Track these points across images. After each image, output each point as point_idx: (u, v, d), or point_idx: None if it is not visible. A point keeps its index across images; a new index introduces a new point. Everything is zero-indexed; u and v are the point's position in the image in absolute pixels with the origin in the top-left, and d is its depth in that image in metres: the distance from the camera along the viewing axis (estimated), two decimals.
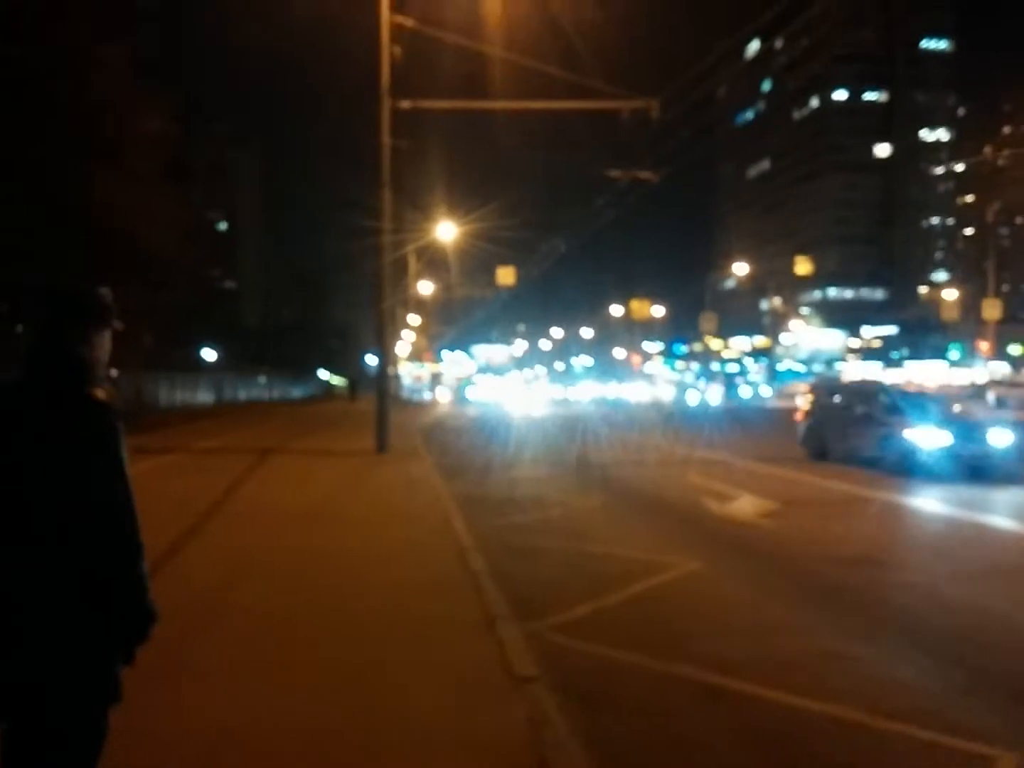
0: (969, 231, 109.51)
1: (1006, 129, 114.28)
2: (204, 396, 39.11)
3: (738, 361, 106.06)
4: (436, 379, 60.44)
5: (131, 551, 2.06)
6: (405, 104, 15.50)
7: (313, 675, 4.23)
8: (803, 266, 60.91)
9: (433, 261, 40.52)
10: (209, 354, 54.41)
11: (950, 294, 54.90)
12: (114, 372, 26.42)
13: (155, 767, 3.27)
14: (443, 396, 55.18)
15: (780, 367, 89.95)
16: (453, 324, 62.74)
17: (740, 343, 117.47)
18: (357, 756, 3.38)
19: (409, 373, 53.05)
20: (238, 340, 78.79)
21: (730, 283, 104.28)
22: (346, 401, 44.86)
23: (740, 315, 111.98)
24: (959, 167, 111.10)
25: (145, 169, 27.34)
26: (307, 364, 78.59)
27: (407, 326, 47.20)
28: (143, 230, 26.33)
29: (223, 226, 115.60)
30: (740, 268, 76.38)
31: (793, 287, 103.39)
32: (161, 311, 35.62)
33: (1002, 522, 9.50)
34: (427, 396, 52.64)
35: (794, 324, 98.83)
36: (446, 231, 32.40)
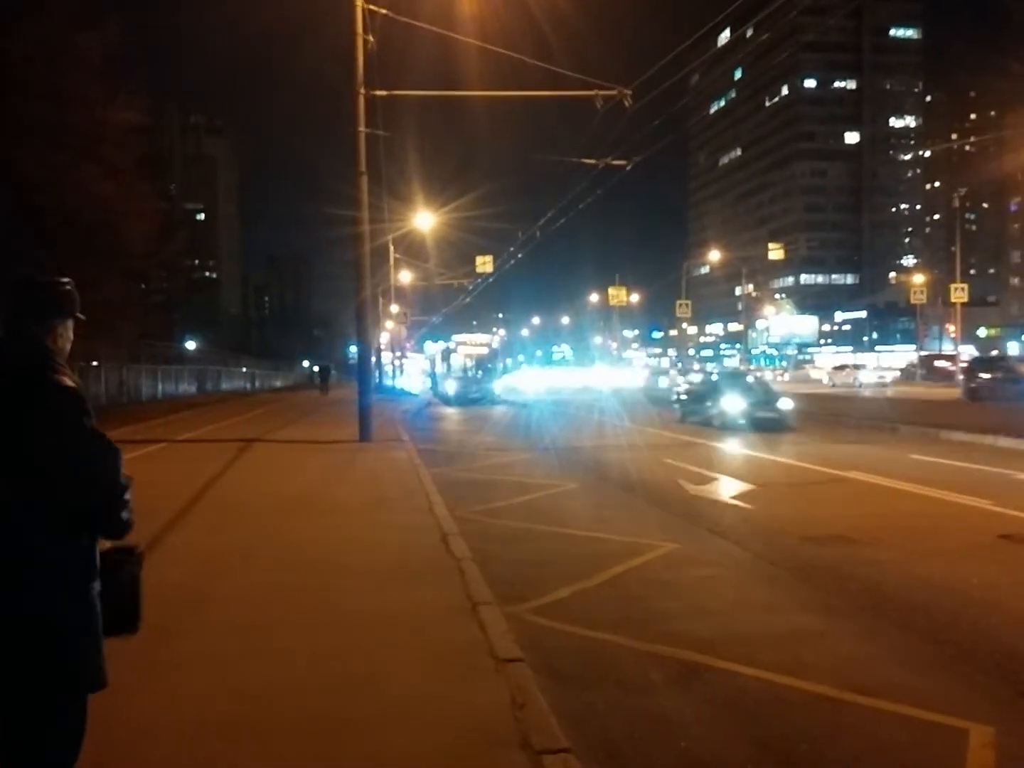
0: (937, 216, 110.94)
1: (972, 116, 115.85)
2: (186, 387, 38.69)
3: (713, 347, 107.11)
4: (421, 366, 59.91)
5: (115, 495, 2.14)
6: (380, 92, 15.45)
7: (297, 660, 4.27)
8: (775, 252, 61.42)
9: (412, 250, 40.41)
10: (191, 345, 53.90)
11: (918, 278, 55.81)
12: (95, 364, 26.15)
13: (139, 756, 3.30)
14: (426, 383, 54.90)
15: (754, 352, 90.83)
16: (433, 313, 62.38)
17: (715, 329, 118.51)
18: (341, 737, 3.43)
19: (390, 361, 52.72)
20: (220, 330, 78.06)
21: (705, 270, 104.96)
22: (318, 393, 42.44)
23: (715, 301, 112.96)
24: (927, 153, 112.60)
25: (122, 161, 27.03)
26: (290, 353, 78.11)
27: (389, 315, 46.93)
28: (121, 221, 26.04)
29: (201, 216, 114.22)
30: (714, 255, 76.91)
31: (766, 273, 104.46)
32: (141, 302, 35.28)
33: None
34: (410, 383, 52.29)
35: (768, 310, 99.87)
36: (425, 220, 32.34)
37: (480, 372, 34.63)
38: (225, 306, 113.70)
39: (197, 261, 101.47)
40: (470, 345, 36.09)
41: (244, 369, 56.07)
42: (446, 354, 36.19)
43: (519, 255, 31.54)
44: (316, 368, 58.70)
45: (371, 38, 14.98)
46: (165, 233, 34.76)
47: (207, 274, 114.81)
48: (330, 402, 32.37)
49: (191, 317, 73.94)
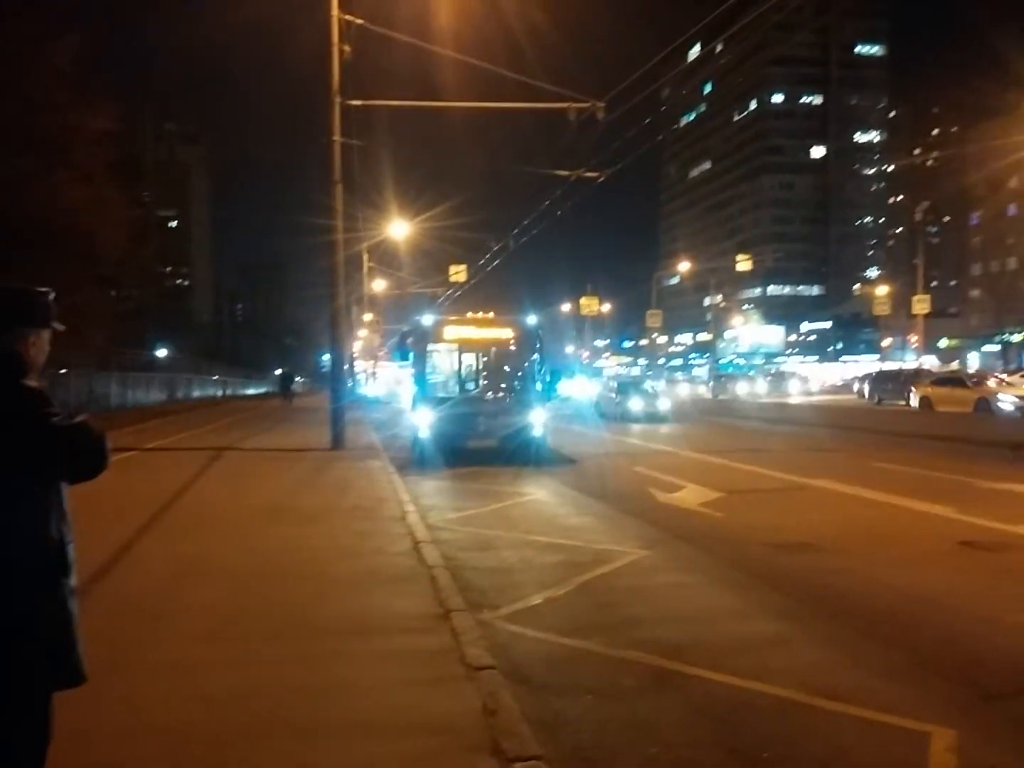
0: (900, 229, 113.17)
1: (935, 131, 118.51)
2: (157, 395, 38.07)
3: (683, 356, 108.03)
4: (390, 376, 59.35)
5: (97, 462, 2.23)
6: (355, 102, 15.45)
7: (267, 668, 4.25)
8: (743, 264, 62.28)
9: (386, 258, 40.27)
10: (162, 352, 53.15)
11: (882, 290, 56.92)
12: (63, 371, 25.69)
13: (113, 763, 3.27)
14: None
15: (723, 361, 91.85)
16: (406, 322, 61.94)
17: (684, 338, 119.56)
18: (310, 744, 3.42)
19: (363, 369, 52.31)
20: (191, 338, 77.13)
21: (674, 280, 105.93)
22: (281, 402, 40.65)
23: (684, 311, 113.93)
24: (890, 168, 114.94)
25: (93, 166, 26.70)
26: (263, 362, 77.41)
27: (362, 324, 46.68)
28: (93, 228, 25.69)
29: (174, 223, 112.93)
30: (684, 266, 77.73)
31: (734, 284, 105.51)
32: (112, 309, 34.72)
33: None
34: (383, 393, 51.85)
35: (736, 320, 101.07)
36: (398, 229, 32.29)
37: (501, 390, 15.68)
38: (197, 314, 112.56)
39: (169, 268, 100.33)
40: (471, 326, 15.89)
41: (215, 377, 55.40)
42: (420, 347, 15.52)
43: (493, 264, 31.40)
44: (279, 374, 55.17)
45: (347, 48, 15.00)
46: (137, 240, 34.31)
47: (179, 281, 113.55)
48: (300, 410, 32.10)
49: (162, 324, 73.12)
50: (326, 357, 34.53)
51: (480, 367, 15.60)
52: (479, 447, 14.54)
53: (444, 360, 15.61)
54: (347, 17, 14.75)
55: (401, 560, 6.58)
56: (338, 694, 3.92)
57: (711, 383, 50.90)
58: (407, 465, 14.04)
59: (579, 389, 46.25)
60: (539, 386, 14.93)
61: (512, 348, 15.30)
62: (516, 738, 3.44)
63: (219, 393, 53.59)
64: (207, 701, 3.82)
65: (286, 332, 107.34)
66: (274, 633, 4.81)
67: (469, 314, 16.22)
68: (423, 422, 14.30)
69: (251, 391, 65.92)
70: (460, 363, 15.48)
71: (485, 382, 15.46)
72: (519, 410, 14.46)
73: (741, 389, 47.25)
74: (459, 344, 15.29)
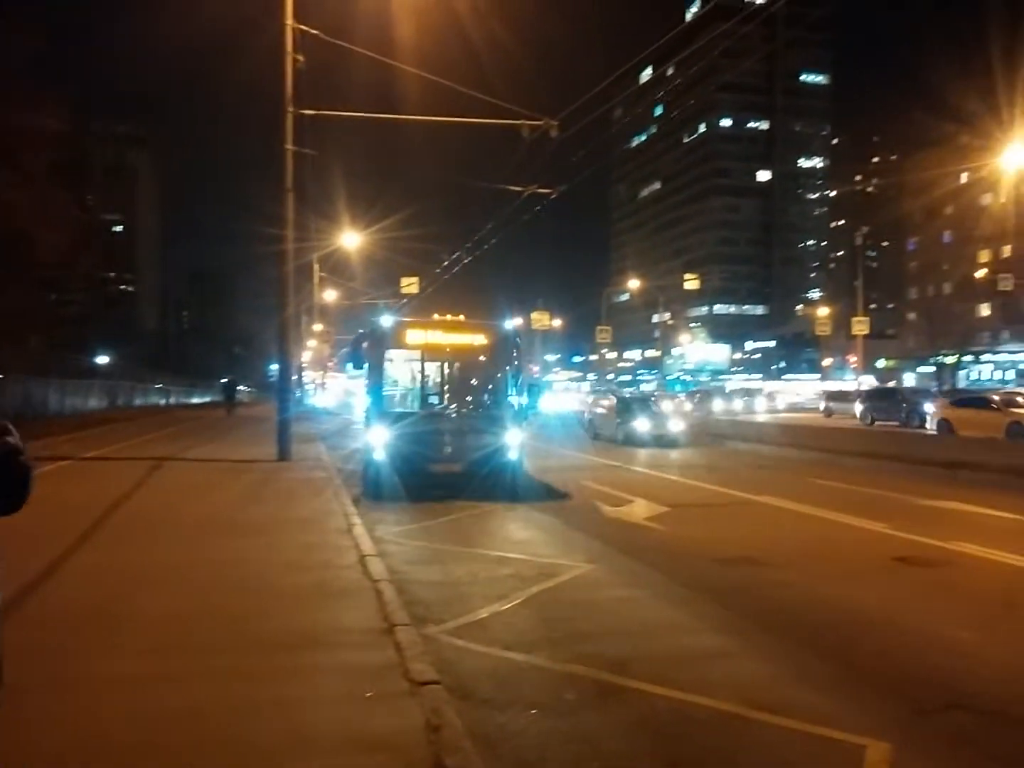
0: (841, 253, 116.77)
1: (875, 159, 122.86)
2: (96, 402, 36.89)
3: (631, 372, 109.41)
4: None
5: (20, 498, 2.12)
6: (308, 112, 15.36)
7: (206, 684, 4.16)
8: (691, 283, 63.53)
9: (338, 268, 39.85)
10: (103, 359, 51.58)
11: (823, 311, 58.69)
12: None
13: None
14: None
15: (670, 378, 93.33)
16: (365, 324, 61.25)
17: (633, 354, 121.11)
18: (248, 763, 3.36)
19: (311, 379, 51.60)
20: (136, 345, 75.18)
21: (624, 297, 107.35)
22: (223, 412, 37.93)
23: (633, 328, 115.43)
24: (832, 193, 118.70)
25: (37, 168, 25.93)
26: (210, 371, 75.86)
27: (312, 334, 46.09)
28: (33, 230, 24.91)
29: (120, 228, 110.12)
30: (633, 283, 78.93)
31: (682, 302, 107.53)
32: (52, 314, 33.56)
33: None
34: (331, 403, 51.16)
35: (683, 337, 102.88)
36: (351, 239, 32.05)
37: (471, 406, 13.47)
38: (142, 321, 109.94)
39: (113, 274, 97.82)
40: (437, 330, 13.23)
41: (159, 385, 54.07)
42: (376, 353, 12.85)
43: (444, 277, 31.39)
44: (240, 387, 51.19)
45: (300, 57, 14.92)
46: (81, 244, 33.36)
47: (124, 287, 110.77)
48: (248, 420, 31.49)
49: (105, 331, 71.27)
50: (275, 367, 33.56)
51: (448, 378, 13.31)
52: (444, 472, 12.03)
53: (405, 369, 13.54)
54: (301, 27, 14.67)
55: (347, 574, 6.50)
56: (280, 710, 3.85)
57: (694, 401, 46.54)
58: (355, 476, 13.76)
59: (552, 404, 42.37)
60: (515, 401, 12.75)
61: (485, 357, 12.98)
62: (459, 754, 3.42)
63: (162, 401, 52.33)
64: (145, 718, 3.72)
65: (235, 341, 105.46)
66: (216, 647, 4.71)
67: (436, 316, 13.52)
68: (378, 442, 11.97)
69: (196, 400, 64.59)
70: (424, 373, 13.18)
71: (453, 396, 13.13)
72: (492, 429, 12.23)
73: (717, 406, 44.49)
74: (423, 351, 12.90)
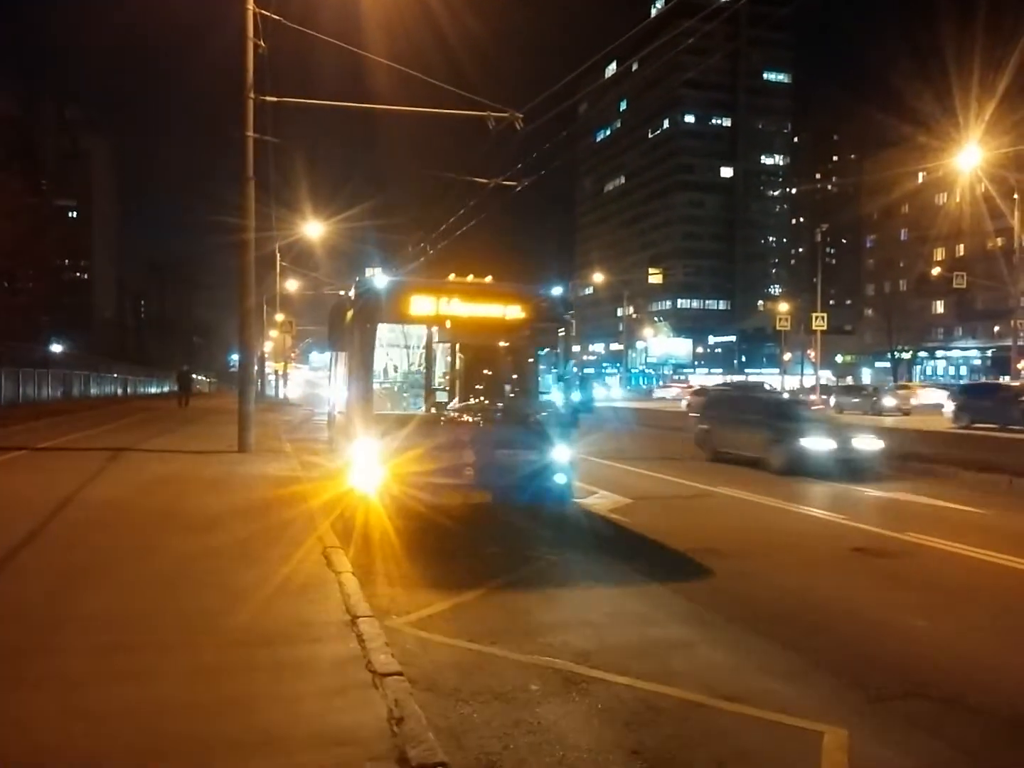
0: (801, 250, 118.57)
1: (835, 158, 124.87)
2: (50, 392, 35.98)
3: (595, 365, 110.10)
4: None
5: None
6: (270, 98, 15.08)
7: (166, 681, 4.06)
8: (655, 277, 64.02)
9: (301, 258, 39.40)
10: (57, 348, 50.34)
11: (783, 307, 59.63)
12: None
13: None
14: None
15: (634, 371, 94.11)
16: (321, 323, 60.70)
17: (597, 348, 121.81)
18: (209, 760, 3.30)
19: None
20: (92, 334, 73.41)
21: (589, 291, 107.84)
22: (175, 404, 36.17)
23: (598, 321, 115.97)
24: (793, 191, 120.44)
25: None
26: (169, 361, 74.51)
27: (273, 324, 45.43)
28: None
29: (74, 214, 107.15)
30: (598, 277, 79.28)
31: (646, 297, 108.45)
32: (4, 301, 32.58)
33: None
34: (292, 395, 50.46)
35: (647, 331, 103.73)
36: (314, 229, 31.66)
37: (506, 407, 8.91)
38: (99, 309, 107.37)
39: (68, 261, 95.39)
40: (455, 297, 8.31)
41: (116, 375, 53.00)
42: (366, 329, 8.32)
43: (410, 268, 31.20)
44: (201, 377, 47.20)
45: (262, 43, 14.63)
46: (34, 230, 32.38)
47: (78, 275, 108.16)
48: (209, 412, 30.94)
49: (60, 319, 69.52)
50: (236, 357, 32.81)
51: (470, 367, 9.13)
52: (464, 503, 8.05)
53: (407, 354, 9.99)
54: (263, 12, 14.39)
55: (309, 567, 6.40)
56: (240, 707, 3.79)
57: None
58: (318, 469, 13.21)
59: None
60: (562, 400, 8.81)
61: (523, 337, 8.90)
62: (422, 745, 3.40)
63: (119, 391, 51.30)
64: (99, 718, 3.62)
65: (195, 331, 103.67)
66: (172, 644, 4.60)
67: (453, 277, 8.96)
68: (368, 465, 7.93)
69: (154, 389, 63.51)
70: (435, 359, 9.16)
71: (478, 392, 8.82)
72: (535, 442, 8.28)
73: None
74: (434, 326, 8.68)
